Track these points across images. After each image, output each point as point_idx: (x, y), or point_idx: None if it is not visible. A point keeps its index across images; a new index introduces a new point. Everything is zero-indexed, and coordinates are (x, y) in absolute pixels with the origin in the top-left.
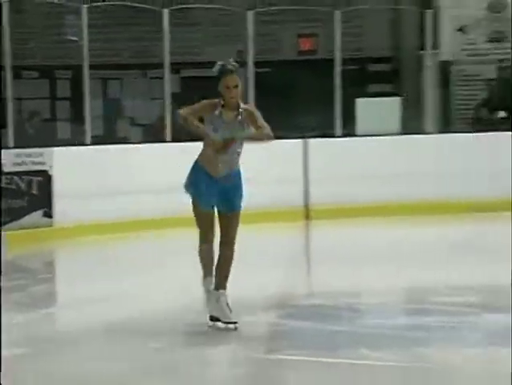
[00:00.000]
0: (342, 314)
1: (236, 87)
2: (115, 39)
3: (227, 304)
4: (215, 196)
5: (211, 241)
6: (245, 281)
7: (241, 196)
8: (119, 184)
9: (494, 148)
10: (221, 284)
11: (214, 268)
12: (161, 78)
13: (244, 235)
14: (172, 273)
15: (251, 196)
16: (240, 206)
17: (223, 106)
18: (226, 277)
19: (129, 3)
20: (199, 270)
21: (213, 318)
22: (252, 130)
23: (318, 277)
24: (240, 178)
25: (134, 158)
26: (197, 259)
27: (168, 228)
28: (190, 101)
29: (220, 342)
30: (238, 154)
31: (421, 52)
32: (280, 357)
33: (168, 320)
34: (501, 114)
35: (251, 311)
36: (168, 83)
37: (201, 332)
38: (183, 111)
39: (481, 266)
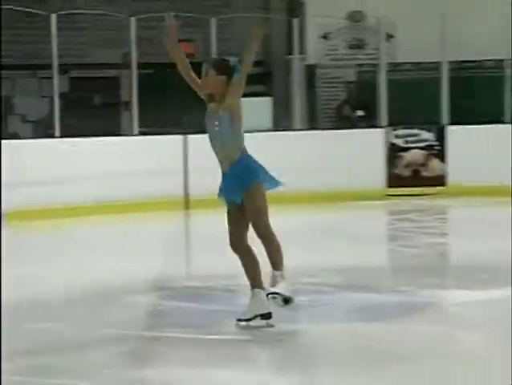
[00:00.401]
0: (218, 295)
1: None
2: (5, 41)
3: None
4: (227, 190)
5: (234, 242)
6: (128, 265)
7: (244, 183)
8: (8, 178)
9: (354, 143)
10: (275, 265)
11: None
12: (50, 78)
13: (128, 223)
14: (67, 262)
15: (136, 187)
16: (242, 193)
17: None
18: (276, 258)
19: (19, 8)
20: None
21: (285, 301)
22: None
23: (196, 262)
24: (243, 166)
25: (24, 153)
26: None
27: (59, 218)
28: (78, 100)
29: (101, 321)
30: (232, 145)
31: (289, 57)
32: (158, 334)
33: (57, 306)
34: (360, 113)
35: (132, 293)
36: (57, 83)
37: (87, 312)
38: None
39: (346, 250)
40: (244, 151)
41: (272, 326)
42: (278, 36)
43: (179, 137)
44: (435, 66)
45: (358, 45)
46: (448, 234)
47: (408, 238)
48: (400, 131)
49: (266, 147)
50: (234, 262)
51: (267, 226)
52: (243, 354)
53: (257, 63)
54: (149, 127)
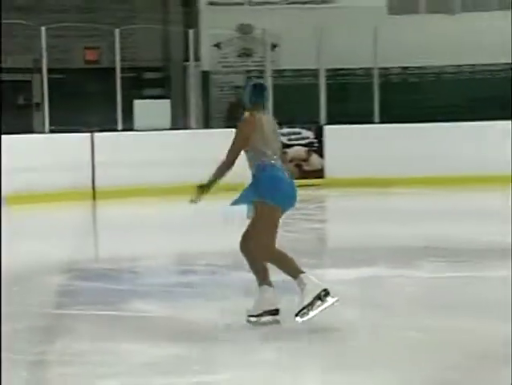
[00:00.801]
0: (123, 276)
1: None
2: None
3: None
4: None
5: (241, 241)
6: (41, 249)
7: (252, 199)
8: None
9: None
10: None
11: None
12: None
13: (40, 213)
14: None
15: (47, 180)
16: (248, 209)
17: None
18: (286, 271)
19: None
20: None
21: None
22: None
23: (103, 246)
24: (256, 182)
25: None
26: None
27: None
28: None
29: (15, 299)
30: (248, 160)
31: (186, 63)
32: (67, 311)
33: None
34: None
35: (45, 274)
36: None
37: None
38: None
39: (236, 235)
40: (261, 167)
41: (278, 321)
42: (176, 45)
43: (86, 135)
44: (314, 73)
45: (246, 53)
46: (326, 220)
47: (291, 224)
48: (284, 130)
49: (165, 144)
50: (137, 246)
51: (263, 247)
52: (144, 327)
53: (156, 69)
54: (59, 126)
